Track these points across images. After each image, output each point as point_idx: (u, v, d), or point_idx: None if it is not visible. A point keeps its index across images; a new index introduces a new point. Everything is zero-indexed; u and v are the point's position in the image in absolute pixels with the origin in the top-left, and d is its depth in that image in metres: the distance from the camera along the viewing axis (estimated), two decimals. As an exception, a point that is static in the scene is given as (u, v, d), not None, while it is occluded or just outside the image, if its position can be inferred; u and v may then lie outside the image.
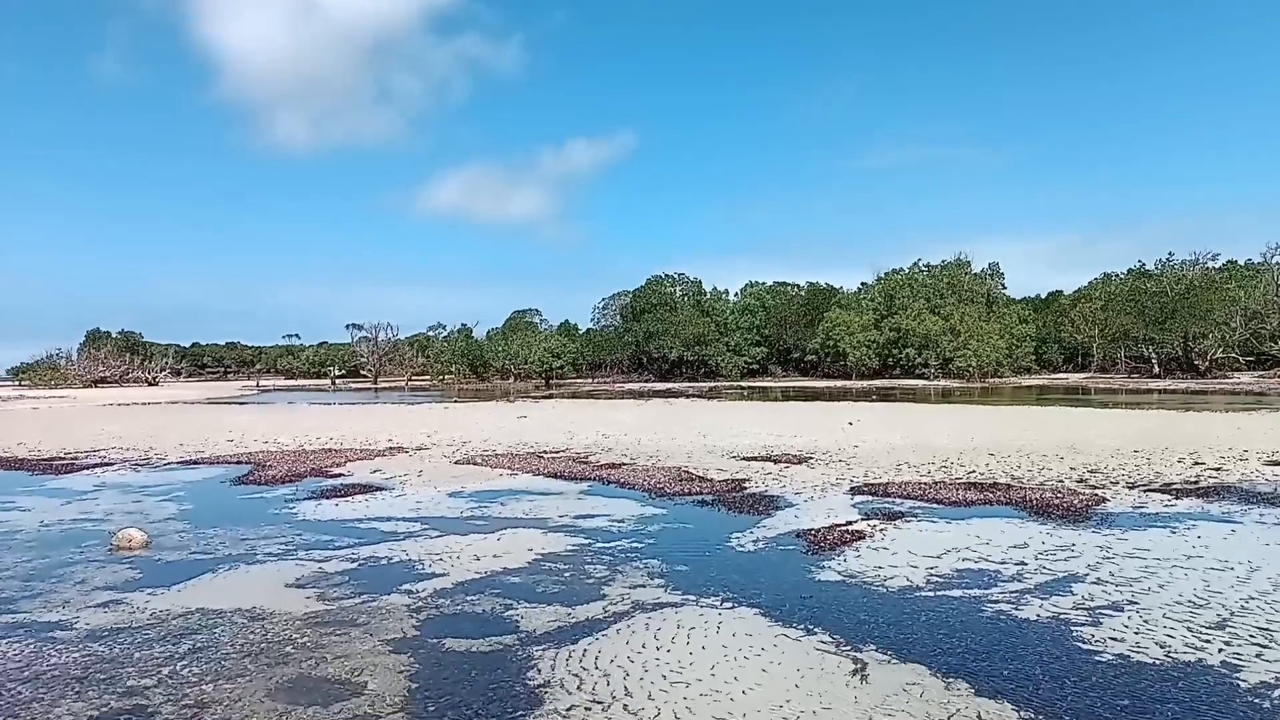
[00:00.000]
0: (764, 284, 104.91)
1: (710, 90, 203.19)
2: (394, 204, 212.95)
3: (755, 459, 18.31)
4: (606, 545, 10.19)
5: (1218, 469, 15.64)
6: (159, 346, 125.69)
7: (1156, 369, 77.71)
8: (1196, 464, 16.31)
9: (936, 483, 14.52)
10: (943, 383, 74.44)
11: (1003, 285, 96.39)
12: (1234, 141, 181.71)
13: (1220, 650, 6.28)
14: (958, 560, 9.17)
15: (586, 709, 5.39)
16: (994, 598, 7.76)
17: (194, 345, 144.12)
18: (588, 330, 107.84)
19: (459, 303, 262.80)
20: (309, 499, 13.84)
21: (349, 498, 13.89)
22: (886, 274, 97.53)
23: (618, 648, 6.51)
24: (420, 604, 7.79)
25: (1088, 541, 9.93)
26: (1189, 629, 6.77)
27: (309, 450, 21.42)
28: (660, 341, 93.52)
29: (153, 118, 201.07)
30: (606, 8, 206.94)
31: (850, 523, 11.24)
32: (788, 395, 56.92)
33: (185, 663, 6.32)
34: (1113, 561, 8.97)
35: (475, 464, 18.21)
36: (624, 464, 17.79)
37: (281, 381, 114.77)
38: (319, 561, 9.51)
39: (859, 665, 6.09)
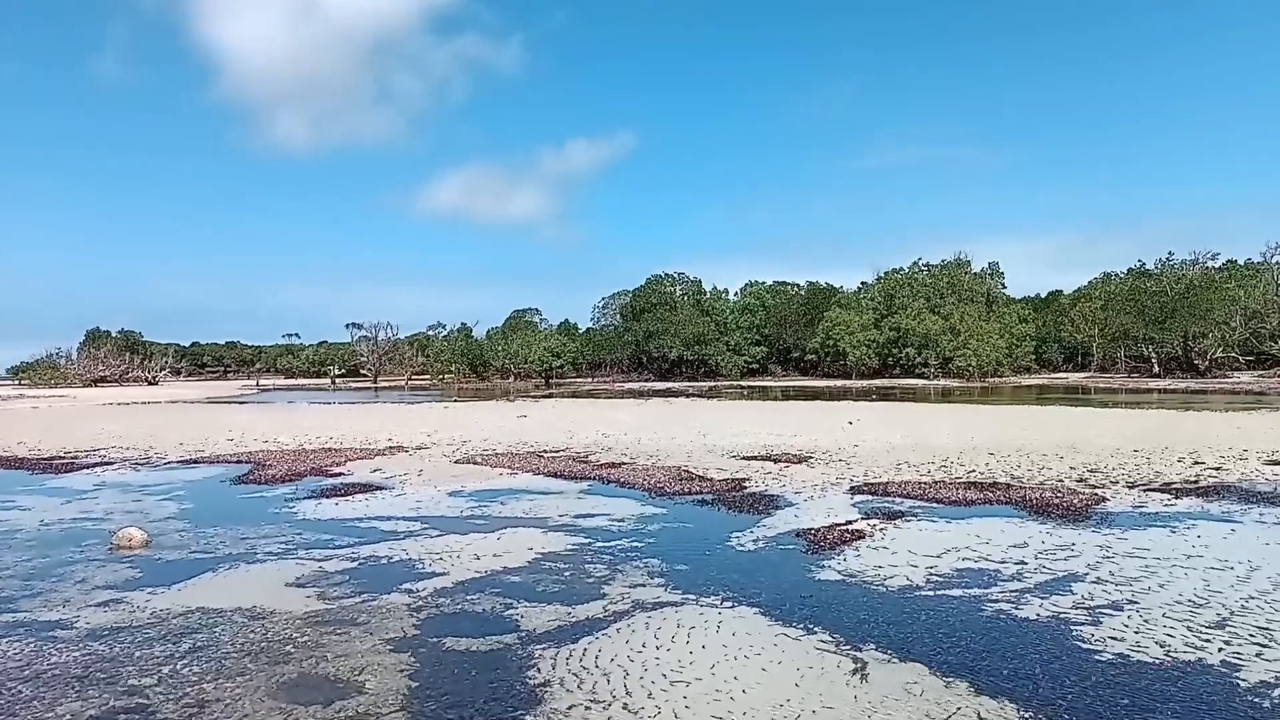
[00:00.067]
0: (764, 283, 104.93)
1: (710, 90, 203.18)
2: (394, 204, 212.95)
3: (755, 458, 18.31)
4: (606, 544, 10.19)
5: (1218, 468, 15.64)
6: (159, 346, 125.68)
7: (1156, 368, 77.70)
8: (1196, 463, 16.31)
9: (936, 482, 14.52)
10: (943, 382, 74.45)
11: (1003, 285, 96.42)
12: (1234, 141, 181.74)
13: (1220, 650, 6.28)
14: (958, 560, 9.17)
15: (586, 708, 5.39)
16: (994, 597, 7.77)
17: (194, 345, 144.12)
18: (588, 330, 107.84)
19: (459, 302, 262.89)
20: (309, 498, 13.84)
21: (349, 497, 13.89)
22: (886, 273, 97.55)
23: (618, 647, 6.52)
24: (420, 603, 7.79)
25: (1088, 541, 9.94)
26: (1189, 628, 6.78)
27: (309, 449, 21.42)
28: (660, 341, 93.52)
29: (153, 118, 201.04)
30: (606, 8, 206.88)
31: (850, 522, 11.24)
32: (788, 394, 56.92)
33: (185, 662, 6.32)
34: (1113, 561, 8.98)
35: (475, 463, 18.22)
36: (624, 463, 17.79)
37: (281, 381, 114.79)
38: (319, 561, 9.51)
39: (859, 665, 6.10)
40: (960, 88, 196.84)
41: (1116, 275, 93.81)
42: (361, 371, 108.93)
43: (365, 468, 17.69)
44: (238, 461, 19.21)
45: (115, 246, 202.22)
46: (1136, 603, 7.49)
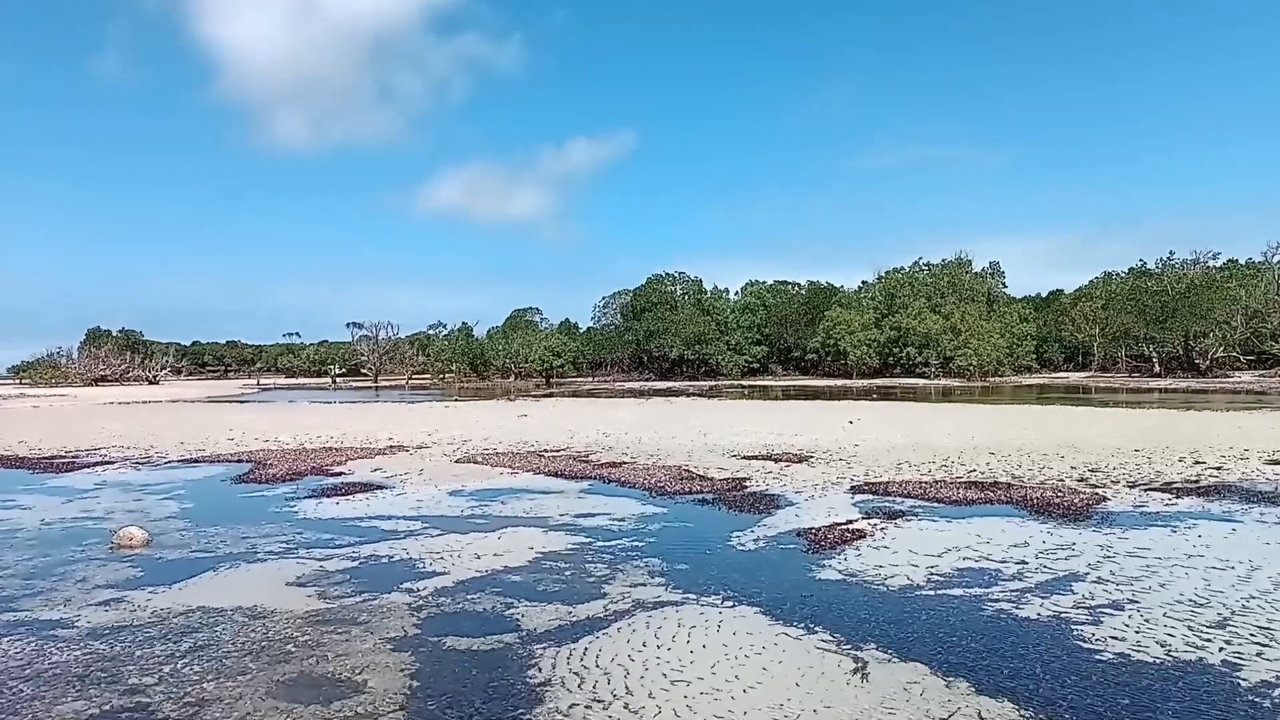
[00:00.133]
0: (764, 283, 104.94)
1: (710, 90, 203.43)
2: (394, 204, 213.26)
3: (756, 458, 18.30)
4: (607, 544, 10.19)
5: (1218, 468, 15.63)
6: (159, 345, 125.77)
7: (1157, 368, 77.67)
8: (1197, 463, 16.30)
9: (937, 481, 14.51)
10: (943, 382, 74.43)
11: (1003, 284, 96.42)
12: (1234, 141, 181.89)
13: (1221, 649, 6.28)
14: (958, 559, 9.17)
15: (587, 707, 5.39)
16: (994, 596, 7.76)
17: (194, 344, 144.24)
18: (588, 329, 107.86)
19: (459, 302, 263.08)
20: (310, 497, 13.84)
21: (350, 496, 13.89)
22: (887, 273, 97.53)
23: (618, 646, 6.52)
24: (421, 602, 7.79)
25: (1088, 540, 9.93)
26: (1189, 628, 6.77)
27: (309, 449, 21.43)
28: (661, 340, 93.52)
29: (153, 118, 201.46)
30: (606, 8, 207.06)
31: (851, 522, 11.24)
32: (788, 394, 56.90)
33: (186, 661, 6.32)
34: (1113, 560, 8.97)
35: (476, 463, 18.22)
36: (624, 463, 17.79)
37: (282, 380, 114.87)
38: (320, 560, 9.51)
39: (859, 664, 6.09)
40: (960, 88, 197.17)
41: (1117, 275, 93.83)
42: (362, 371, 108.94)
43: (366, 467, 17.70)
44: (238, 461, 19.21)
45: (115, 246, 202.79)
46: (1137, 602, 7.48)
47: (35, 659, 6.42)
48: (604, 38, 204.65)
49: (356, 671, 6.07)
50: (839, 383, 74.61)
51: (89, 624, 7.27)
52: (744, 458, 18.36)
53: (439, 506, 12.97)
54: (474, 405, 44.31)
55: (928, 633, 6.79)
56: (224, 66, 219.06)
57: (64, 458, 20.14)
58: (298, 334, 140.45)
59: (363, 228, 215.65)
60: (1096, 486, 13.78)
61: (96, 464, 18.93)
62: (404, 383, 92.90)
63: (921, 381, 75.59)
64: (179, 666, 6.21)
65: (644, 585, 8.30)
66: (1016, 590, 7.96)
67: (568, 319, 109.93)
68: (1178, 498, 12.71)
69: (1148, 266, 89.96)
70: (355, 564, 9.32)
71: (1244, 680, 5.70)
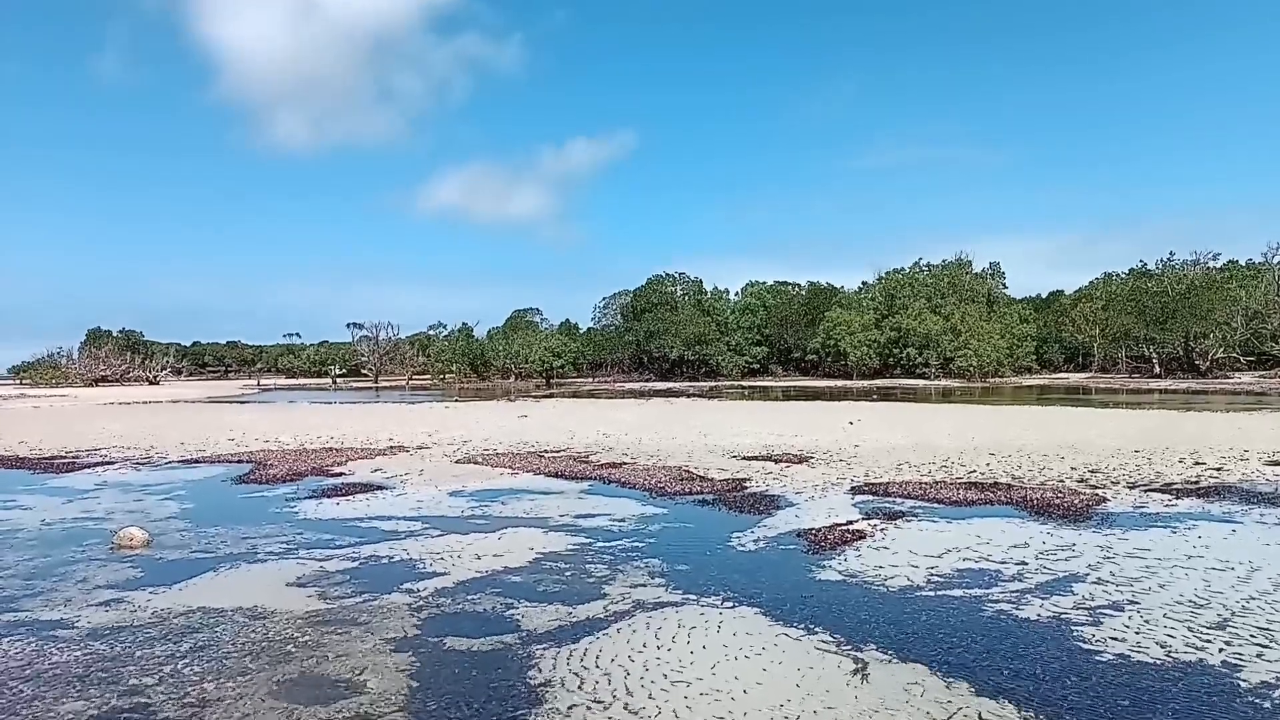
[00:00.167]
0: (765, 283, 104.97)
1: (710, 90, 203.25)
2: (394, 204, 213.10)
3: (756, 458, 18.31)
4: (607, 544, 10.19)
5: (1218, 469, 15.63)
6: (160, 345, 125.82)
7: (1157, 369, 77.67)
8: (1197, 464, 16.30)
9: (937, 482, 14.52)
10: (943, 382, 74.44)
11: (1003, 285, 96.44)
12: (1234, 141, 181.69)
13: (1221, 650, 6.28)
14: (958, 560, 9.17)
15: (587, 708, 5.40)
16: (995, 597, 7.77)
17: (195, 344, 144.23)
18: (588, 329, 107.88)
19: (459, 302, 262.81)
20: (310, 498, 13.85)
21: (350, 497, 13.90)
22: (887, 274, 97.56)
23: (618, 647, 6.52)
24: (421, 603, 7.79)
25: (1088, 541, 9.93)
26: (1189, 629, 6.77)
27: (310, 449, 21.44)
28: (661, 341, 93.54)
29: (153, 118, 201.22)
30: (606, 8, 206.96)
31: (851, 522, 11.24)
32: (788, 395, 56.92)
33: (187, 661, 6.33)
34: (1113, 561, 8.97)
35: (476, 463, 18.22)
36: (625, 463, 17.79)
37: (282, 380, 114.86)
38: (320, 560, 9.52)
39: (860, 665, 6.10)
40: (960, 88, 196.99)
41: (1117, 275, 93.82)
42: (362, 371, 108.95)
43: (366, 467, 17.70)
44: (239, 461, 19.22)
45: (115, 246, 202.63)
46: (1137, 603, 7.49)
47: (36, 659, 6.42)
48: (604, 38, 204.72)
49: (357, 672, 6.08)
50: (839, 383, 74.61)
51: (89, 624, 7.27)
52: (744, 458, 18.37)
53: (439, 507, 12.97)
54: (474, 406, 44.32)
55: (928, 633, 6.79)
56: (224, 66, 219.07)
57: (64, 458, 20.15)
58: (298, 334, 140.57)
59: (363, 228, 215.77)
60: (1096, 487, 13.78)
61: (97, 464, 18.94)
62: (404, 383, 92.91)
63: (922, 382, 75.60)
64: (179, 667, 6.21)
65: (644, 586, 8.30)
66: (1016, 591, 7.96)
67: (568, 319, 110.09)
68: (1178, 499, 12.72)
69: (1148, 267, 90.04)
70: (355, 564, 9.33)
71: (1244, 681, 5.70)
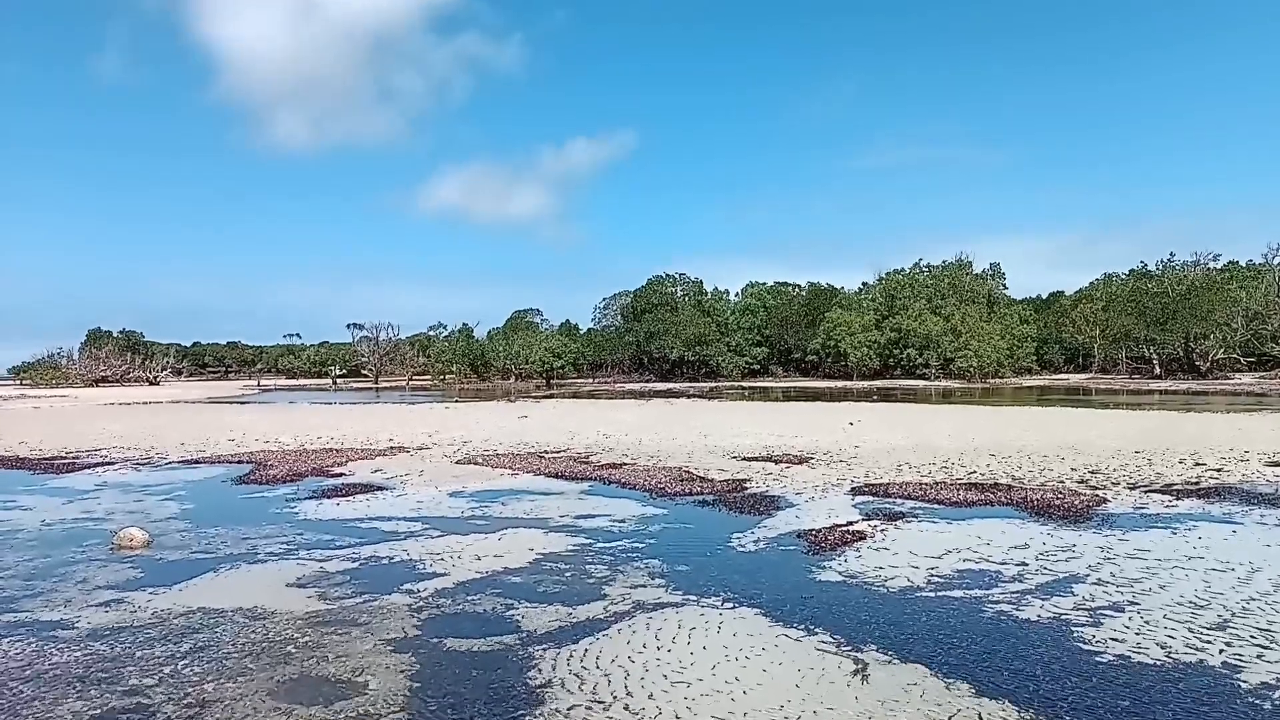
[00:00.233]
0: (765, 284, 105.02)
1: (710, 90, 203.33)
2: (394, 204, 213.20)
3: (756, 459, 18.31)
4: (607, 545, 10.19)
5: (1219, 470, 15.63)
6: (160, 346, 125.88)
7: (1158, 370, 77.68)
8: (1197, 465, 16.30)
9: (937, 483, 14.51)
10: (943, 383, 74.44)
11: (1004, 285, 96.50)
12: (1234, 141, 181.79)
13: (1221, 651, 6.28)
14: (958, 561, 9.17)
15: (587, 709, 5.40)
16: (995, 598, 7.76)
17: (195, 345, 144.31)
18: (588, 330, 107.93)
19: (459, 302, 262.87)
20: (310, 498, 13.85)
21: (350, 497, 13.90)
22: (887, 274, 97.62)
23: (619, 648, 6.52)
24: (421, 603, 7.79)
25: (1088, 542, 9.93)
26: (1190, 630, 6.77)
27: (310, 450, 21.44)
28: (661, 341, 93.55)
29: (153, 118, 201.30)
30: (606, 8, 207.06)
31: (851, 523, 11.24)
32: (788, 395, 56.92)
33: (187, 662, 6.33)
34: (1113, 562, 8.97)
35: (476, 464, 18.22)
36: (625, 464, 17.79)
37: (282, 381, 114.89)
38: (320, 561, 9.52)
39: (860, 665, 6.10)
40: (960, 88, 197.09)
41: (1118, 276, 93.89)
42: (363, 372, 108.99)
43: (366, 468, 17.70)
44: (239, 462, 19.22)
45: (115, 246, 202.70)
46: (1137, 604, 7.48)
47: (36, 660, 6.42)
48: (604, 38, 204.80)
49: (357, 673, 6.08)
50: (839, 384, 74.60)
51: (89, 625, 7.27)
52: (744, 459, 18.37)
53: (439, 507, 12.97)
54: (474, 406, 44.32)
55: (928, 634, 6.79)
56: (224, 66, 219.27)
57: (64, 458, 20.15)
58: (298, 335, 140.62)
59: (363, 228, 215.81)
60: (1097, 488, 13.77)
61: (97, 465, 18.94)
62: (404, 384, 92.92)
63: (922, 383, 75.60)
64: (179, 667, 6.21)
65: (644, 586, 8.30)
66: (1017, 592, 7.96)
67: (568, 320, 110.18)
68: (1178, 499, 12.71)
69: (1148, 268, 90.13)
70: (356, 565, 9.33)
71: (1244, 682, 5.70)
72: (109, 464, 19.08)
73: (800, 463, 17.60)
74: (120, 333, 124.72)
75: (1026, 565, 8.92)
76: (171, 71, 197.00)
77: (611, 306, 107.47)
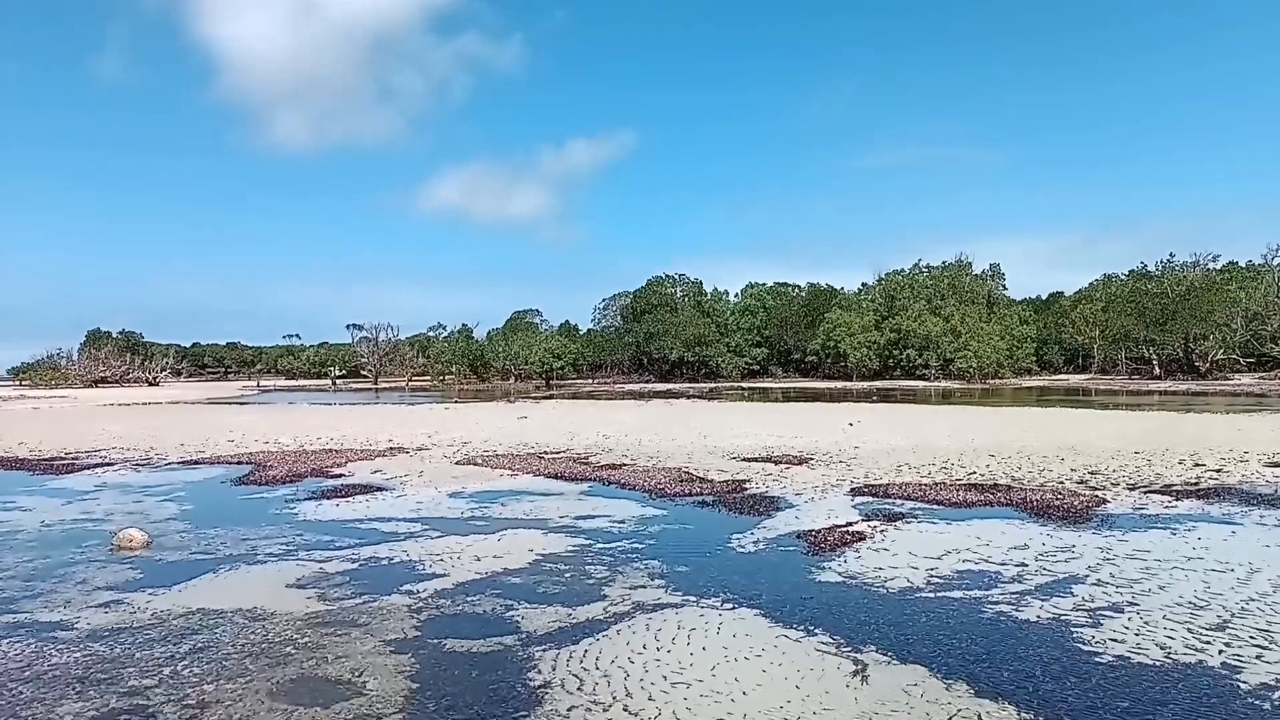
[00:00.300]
0: (764, 285, 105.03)
1: (710, 90, 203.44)
2: (394, 204, 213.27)
3: (756, 460, 18.31)
4: (607, 546, 10.19)
5: (1218, 470, 15.63)
6: (159, 346, 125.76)
7: (1157, 370, 77.71)
8: (1197, 465, 16.30)
9: (937, 484, 14.52)
10: (943, 384, 74.46)
11: (1003, 286, 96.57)
12: (1234, 141, 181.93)
13: (1220, 652, 6.28)
14: (958, 561, 9.17)
15: (587, 709, 5.40)
16: (994, 599, 7.77)
17: (194, 345, 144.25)
18: (588, 331, 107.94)
19: (459, 303, 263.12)
20: (310, 499, 13.85)
21: (350, 498, 13.90)
22: (887, 275, 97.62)
23: (618, 648, 6.52)
24: (421, 604, 7.79)
25: (1088, 543, 9.94)
26: (1189, 630, 6.78)
27: (309, 450, 21.43)
28: (661, 342, 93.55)
29: (153, 118, 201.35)
30: (606, 8, 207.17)
31: (851, 524, 11.24)
32: (788, 396, 56.92)
33: (186, 663, 6.33)
34: (1113, 563, 8.98)
35: (476, 464, 18.22)
36: (624, 465, 17.79)
37: (282, 382, 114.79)
38: (320, 562, 9.51)
39: (859, 666, 6.10)
40: (960, 88, 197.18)
41: (1117, 277, 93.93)
42: (362, 372, 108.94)
43: (366, 469, 17.70)
44: (238, 462, 19.21)
45: (115, 246, 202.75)
46: (1137, 605, 7.49)
47: (35, 661, 6.42)
48: (604, 38, 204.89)
49: (356, 674, 6.08)
50: (839, 385, 74.60)
51: (89, 626, 7.27)
52: (744, 460, 18.37)
53: (439, 508, 12.97)
54: (474, 407, 44.32)
55: (927, 635, 6.79)
56: (224, 66, 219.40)
57: (64, 459, 20.14)
58: (298, 335, 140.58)
59: (363, 228, 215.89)
60: (1096, 489, 13.78)
61: (96, 466, 18.94)
62: (404, 384, 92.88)
63: (921, 384, 75.61)
64: (179, 668, 6.21)
65: (644, 587, 8.30)
66: (1016, 592, 7.96)
67: (568, 321, 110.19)
68: (1177, 500, 12.72)
69: (1148, 269, 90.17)
70: (355, 566, 9.33)
71: (1244, 682, 5.70)
72: (108, 465, 19.08)
73: (800, 463, 17.60)
74: (120, 333, 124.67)
75: (1026, 566, 8.92)
76: (171, 71, 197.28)
77: (611, 307, 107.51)
